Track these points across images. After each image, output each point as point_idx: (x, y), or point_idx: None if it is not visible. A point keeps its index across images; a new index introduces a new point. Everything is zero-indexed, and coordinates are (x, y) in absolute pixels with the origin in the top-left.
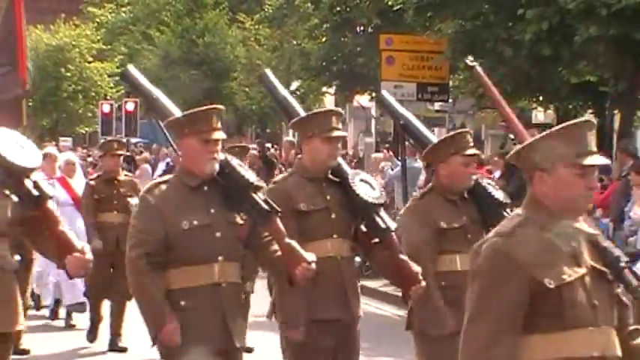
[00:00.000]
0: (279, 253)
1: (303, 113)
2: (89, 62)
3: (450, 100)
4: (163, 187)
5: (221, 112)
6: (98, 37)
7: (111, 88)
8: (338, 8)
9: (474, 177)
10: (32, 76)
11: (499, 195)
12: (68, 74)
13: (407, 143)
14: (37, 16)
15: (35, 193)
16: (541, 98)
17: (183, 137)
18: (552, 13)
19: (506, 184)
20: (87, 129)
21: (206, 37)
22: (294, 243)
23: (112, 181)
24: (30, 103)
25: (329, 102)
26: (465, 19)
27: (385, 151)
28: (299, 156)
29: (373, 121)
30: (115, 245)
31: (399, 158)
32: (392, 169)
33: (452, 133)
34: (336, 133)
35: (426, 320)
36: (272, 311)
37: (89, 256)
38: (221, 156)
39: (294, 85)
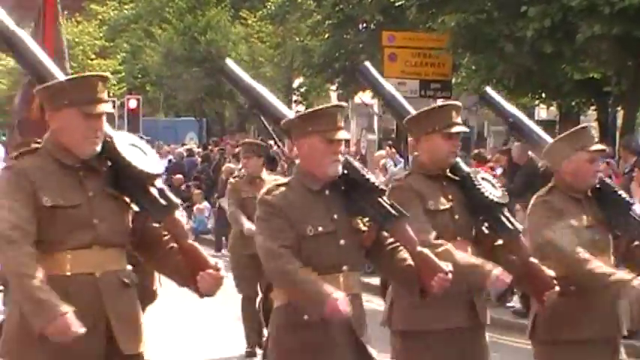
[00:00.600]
0: (409, 262)
1: (411, 109)
2: (91, 59)
3: (453, 97)
4: (283, 189)
5: (345, 110)
6: (100, 35)
7: (113, 85)
8: (340, 5)
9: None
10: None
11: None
12: (71, 72)
13: (409, 139)
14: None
15: (162, 202)
16: (544, 95)
17: (305, 137)
18: (555, 11)
19: (509, 181)
20: None
21: (208, 34)
22: (426, 251)
23: None
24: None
25: (333, 99)
26: (469, 13)
27: (388, 148)
28: (415, 153)
29: (376, 118)
30: None
31: (402, 155)
32: (394, 166)
33: (573, 129)
34: (456, 129)
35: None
36: (388, 319)
37: (223, 273)
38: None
39: (297, 82)
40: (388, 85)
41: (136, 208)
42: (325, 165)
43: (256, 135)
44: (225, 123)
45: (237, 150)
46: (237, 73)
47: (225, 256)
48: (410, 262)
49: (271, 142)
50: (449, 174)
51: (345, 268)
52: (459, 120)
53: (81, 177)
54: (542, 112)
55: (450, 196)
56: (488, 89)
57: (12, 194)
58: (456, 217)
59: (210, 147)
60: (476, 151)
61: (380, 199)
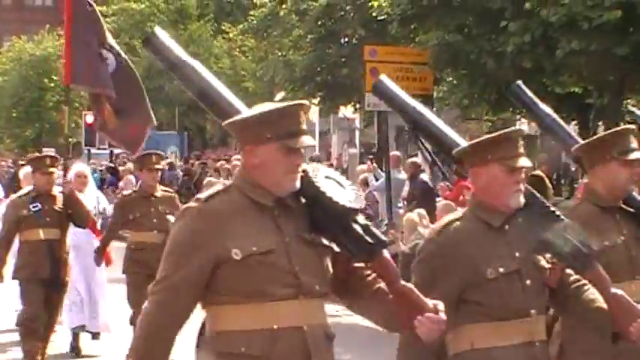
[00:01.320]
0: (599, 303)
1: (573, 133)
2: None
3: (435, 111)
4: (458, 224)
5: (521, 135)
6: None
7: None
8: (323, 20)
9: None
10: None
11: None
12: (52, 85)
13: (391, 154)
14: (21, 26)
15: (368, 240)
16: (524, 110)
17: (484, 165)
18: (535, 26)
19: None
20: (71, 139)
21: (191, 47)
22: (621, 292)
23: (149, 197)
24: (14, 114)
25: (314, 112)
26: (449, 31)
27: (369, 162)
28: (585, 181)
29: (357, 132)
30: (155, 268)
31: (384, 169)
32: (375, 180)
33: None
34: (634, 155)
35: None
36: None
37: (443, 315)
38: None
39: (279, 96)
40: (545, 107)
41: (336, 248)
42: (507, 196)
43: (238, 149)
44: (207, 136)
45: (218, 164)
46: (394, 89)
47: None
48: (600, 303)
49: None
50: (622, 205)
51: (533, 312)
52: (635, 145)
53: (275, 216)
54: (523, 126)
55: (624, 230)
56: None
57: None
58: (633, 252)
59: (191, 161)
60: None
61: (573, 235)
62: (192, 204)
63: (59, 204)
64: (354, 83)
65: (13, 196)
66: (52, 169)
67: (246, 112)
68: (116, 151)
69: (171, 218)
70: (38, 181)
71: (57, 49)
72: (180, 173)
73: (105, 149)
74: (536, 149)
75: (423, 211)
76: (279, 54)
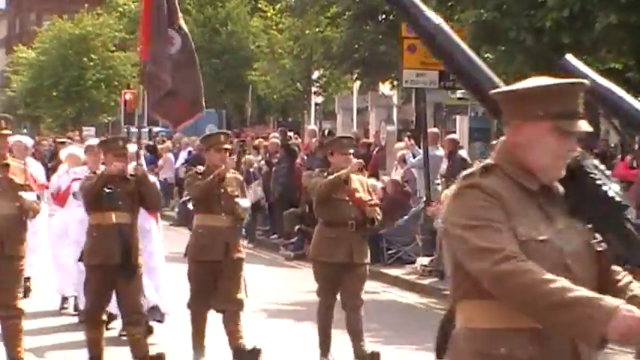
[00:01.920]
0: None
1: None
2: (112, 51)
3: None
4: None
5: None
6: (121, 27)
7: (134, 77)
8: None
9: None
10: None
11: None
12: (91, 63)
13: (429, 131)
14: (60, 6)
15: None
16: None
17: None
18: (573, 0)
19: None
20: (109, 118)
21: (228, 25)
22: None
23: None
24: (54, 93)
25: (354, 89)
26: (487, 9)
27: (407, 139)
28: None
29: (395, 110)
30: (223, 253)
31: (421, 146)
32: (413, 157)
33: None
34: None
35: None
36: None
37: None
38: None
39: (316, 74)
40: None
41: (601, 246)
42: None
43: (276, 127)
44: (245, 115)
45: (257, 142)
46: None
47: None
48: None
49: (291, 133)
50: None
51: None
52: None
53: (541, 204)
54: None
55: None
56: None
57: (492, 217)
58: None
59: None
60: (494, 141)
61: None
62: (468, 181)
63: (131, 187)
64: (391, 60)
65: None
66: (124, 151)
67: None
68: (155, 129)
69: (240, 201)
70: (111, 163)
71: (96, 28)
72: None
73: (144, 127)
74: None
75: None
76: (317, 31)
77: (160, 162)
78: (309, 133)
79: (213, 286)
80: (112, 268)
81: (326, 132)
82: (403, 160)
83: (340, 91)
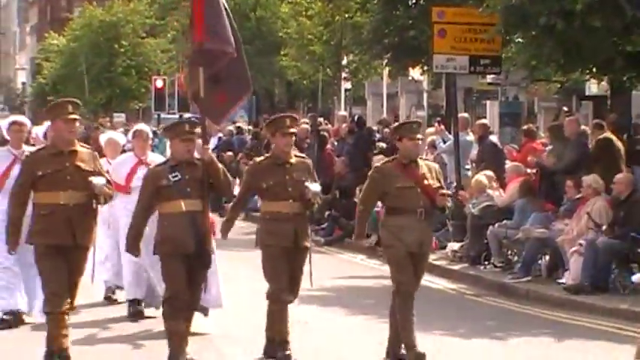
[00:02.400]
0: None
1: None
2: (142, 38)
3: (503, 73)
4: None
5: None
6: (151, 13)
7: (164, 63)
8: None
9: None
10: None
11: None
12: (122, 50)
13: (459, 116)
14: None
15: None
16: (594, 70)
17: None
18: None
19: (560, 157)
20: (140, 104)
21: (258, 11)
22: None
23: (284, 164)
24: (85, 80)
25: (385, 75)
26: None
27: (437, 124)
28: None
29: (425, 95)
30: (292, 240)
31: (451, 132)
32: (443, 143)
33: None
34: None
35: None
36: None
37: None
38: None
39: (346, 59)
40: None
41: None
42: None
43: (306, 112)
44: (275, 100)
45: None
46: None
47: None
48: None
49: (320, 119)
50: None
51: None
52: None
53: None
54: (592, 87)
55: None
56: None
57: None
58: None
59: (260, 124)
60: (526, 126)
61: None
62: None
63: (200, 173)
64: (422, 45)
65: (151, 166)
66: (191, 136)
67: None
68: (186, 115)
69: (310, 186)
70: (177, 148)
71: (126, 15)
72: (249, 137)
73: (174, 114)
74: (605, 110)
75: (491, 172)
76: (346, 16)
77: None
78: (339, 119)
79: (288, 271)
80: (185, 256)
81: (355, 118)
82: (433, 146)
83: (370, 76)
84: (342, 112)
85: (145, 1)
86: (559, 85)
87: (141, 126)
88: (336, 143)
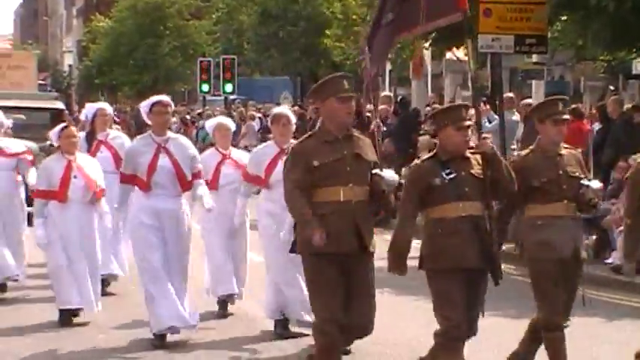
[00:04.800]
0: None
1: None
2: (187, 20)
3: (548, 52)
4: None
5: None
6: None
7: (209, 45)
8: None
9: None
10: None
11: None
12: (167, 32)
13: (505, 96)
14: None
15: None
16: None
17: None
18: None
19: (605, 136)
20: (185, 87)
21: None
22: None
23: (555, 157)
24: (130, 62)
25: (427, 55)
26: None
27: (483, 104)
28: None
29: (470, 75)
30: (571, 251)
31: (497, 112)
32: (488, 123)
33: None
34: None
35: None
36: None
37: None
38: None
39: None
40: None
41: None
42: None
43: None
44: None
45: None
46: None
47: None
48: None
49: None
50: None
51: None
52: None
53: None
54: (639, 65)
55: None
56: None
57: None
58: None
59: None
60: (573, 106)
61: None
62: None
63: (477, 168)
64: (467, 25)
65: (417, 161)
66: (467, 123)
67: None
68: (230, 97)
69: (590, 183)
70: (453, 139)
71: None
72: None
73: (219, 95)
74: None
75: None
76: None
77: (243, 129)
78: (383, 100)
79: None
80: (466, 272)
81: (399, 99)
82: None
83: (414, 57)
84: (387, 93)
85: None
86: (605, 64)
87: (281, 109)
88: (381, 124)
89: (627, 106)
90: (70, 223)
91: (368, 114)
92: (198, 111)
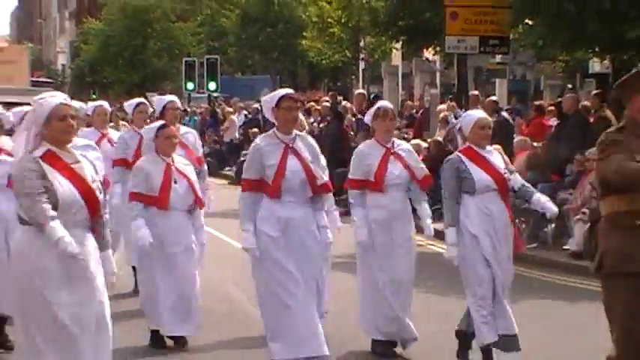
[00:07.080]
0: None
1: None
2: (173, 22)
3: (510, 53)
4: None
5: None
6: None
7: (193, 46)
8: None
9: None
10: None
11: None
12: (154, 33)
13: (470, 93)
14: None
15: None
16: (597, 49)
17: None
18: None
19: (561, 130)
20: (171, 85)
21: None
22: None
23: None
24: (120, 61)
25: (397, 56)
26: None
27: (449, 101)
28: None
29: (438, 74)
30: None
31: (463, 108)
32: (455, 119)
33: None
34: None
35: None
36: None
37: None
38: None
39: (363, 41)
40: None
41: None
42: None
43: (326, 91)
44: (298, 80)
45: (308, 105)
46: None
47: None
48: None
49: (340, 97)
50: None
51: None
52: None
53: None
54: (595, 65)
55: None
56: None
57: None
58: None
59: None
60: (537, 102)
61: None
62: None
63: None
64: (435, 27)
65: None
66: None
67: None
68: (214, 94)
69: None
70: None
71: (157, 0)
72: None
73: (203, 93)
74: (608, 87)
75: (498, 146)
76: (364, 1)
77: (226, 124)
78: (358, 97)
79: None
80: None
81: (372, 97)
82: (445, 121)
83: (386, 57)
84: (361, 91)
85: None
86: (563, 64)
87: (386, 103)
88: (354, 119)
89: (583, 103)
90: (171, 234)
91: (342, 110)
92: (184, 108)
